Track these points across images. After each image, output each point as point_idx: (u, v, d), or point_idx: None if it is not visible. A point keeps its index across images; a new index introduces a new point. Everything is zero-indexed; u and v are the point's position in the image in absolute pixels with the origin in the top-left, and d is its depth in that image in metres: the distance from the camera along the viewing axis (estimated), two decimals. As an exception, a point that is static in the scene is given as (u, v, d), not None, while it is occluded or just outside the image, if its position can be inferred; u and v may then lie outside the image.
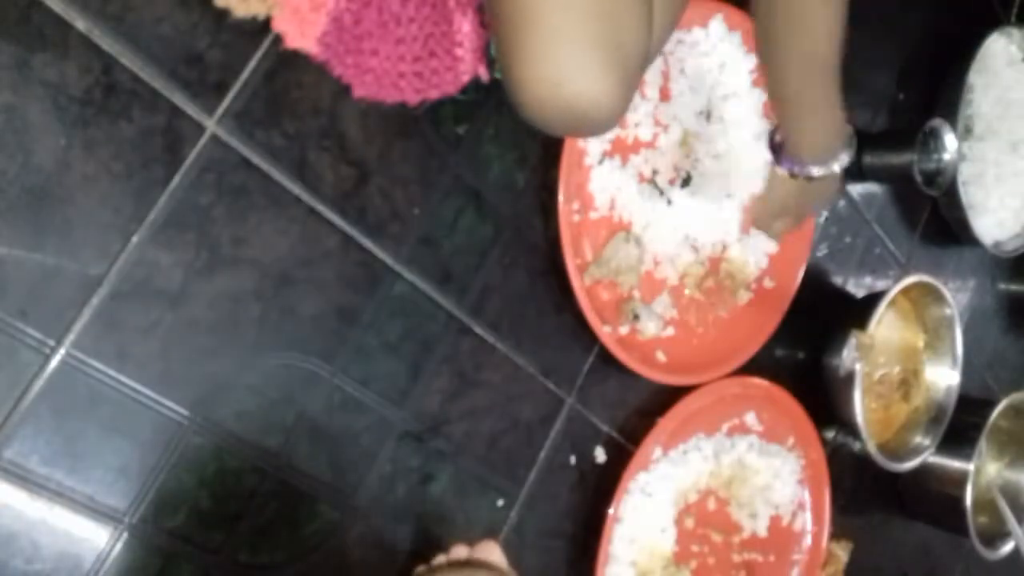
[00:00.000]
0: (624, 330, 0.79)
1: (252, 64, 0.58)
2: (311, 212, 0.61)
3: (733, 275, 0.86)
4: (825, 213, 0.85)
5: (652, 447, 0.81)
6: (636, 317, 0.78)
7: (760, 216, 0.78)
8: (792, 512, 0.94)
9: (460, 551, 0.68)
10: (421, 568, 0.68)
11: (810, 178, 0.68)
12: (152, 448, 0.56)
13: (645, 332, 0.80)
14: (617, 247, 0.75)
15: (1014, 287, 1.35)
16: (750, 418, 0.90)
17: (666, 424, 0.82)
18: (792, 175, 0.69)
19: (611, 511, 0.78)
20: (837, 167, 0.67)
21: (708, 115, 0.83)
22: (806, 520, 0.96)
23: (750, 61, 0.85)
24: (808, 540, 0.96)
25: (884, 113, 1.07)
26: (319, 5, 0.57)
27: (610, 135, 0.76)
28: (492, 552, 0.67)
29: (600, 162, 0.76)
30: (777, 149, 0.70)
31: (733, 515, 0.90)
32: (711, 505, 0.88)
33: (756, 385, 0.89)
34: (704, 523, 0.87)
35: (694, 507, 0.86)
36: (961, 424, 1.09)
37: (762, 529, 0.92)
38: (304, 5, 0.56)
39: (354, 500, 0.65)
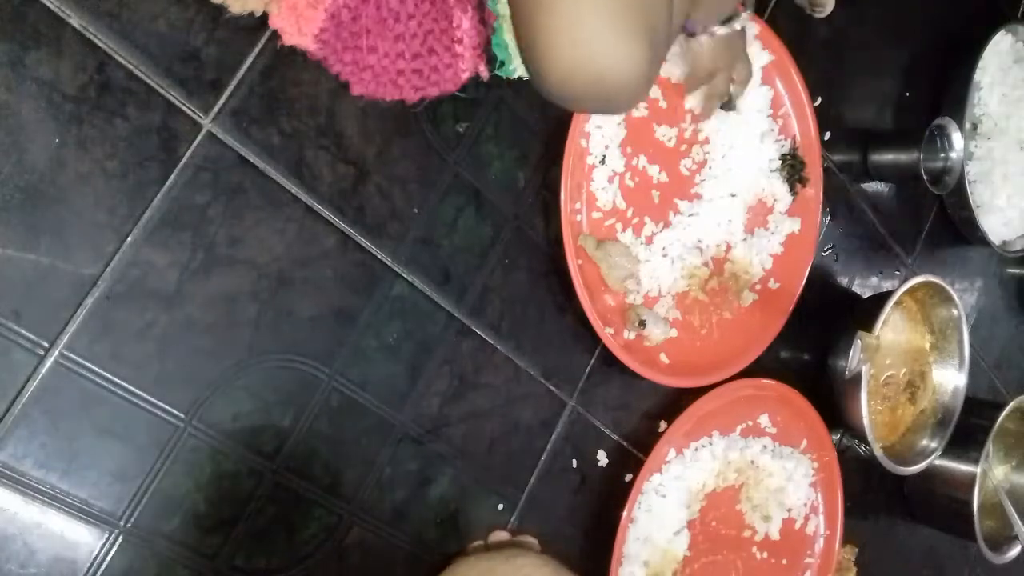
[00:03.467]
0: (630, 336, 0.78)
1: (248, 61, 0.57)
2: (308, 211, 0.60)
3: (737, 276, 0.85)
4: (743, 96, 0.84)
5: (666, 448, 0.81)
6: (642, 324, 0.77)
7: (692, 90, 0.79)
8: (805, 515, 0.94)
9: (501, 535, 0.71)
10: (477, 543, 0.70)
11: (692, 34, 0.71)
12: (147, 451, 0.56)
13: (652, 338, 0.79)
14: (611, 250, 0.74)
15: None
16: (764, 420, 0.90)
17: (680, 425, 0.81)
18: (689, 35, 0.72)
19: (624, 513, 0.77)
20: (721, 31, 0.70)
21: (713, 113, 0.82)
22: (819, 523, 0.95)
23: (758, 58, 0.84)
24: (820, 543, 0.95)
25: (890, 111, 1.06)
26: (317, 1, 0.56)
27: (612, 133, 0.75)
28: (533, 547, 0.71)
29: (603, 161, 0.75)
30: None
31: (746, 517, 0.89)
32: (724, 507, 0.87)
33: (769, 386, 0.88)
34: (717, 525, 0.87)
35: (707, 509, 0.85)
36: (968, 426, 1.07)
37: (775, 532, 0.91)
38: (301, 1, 0.56)
39: (352, 504, 0.64)
